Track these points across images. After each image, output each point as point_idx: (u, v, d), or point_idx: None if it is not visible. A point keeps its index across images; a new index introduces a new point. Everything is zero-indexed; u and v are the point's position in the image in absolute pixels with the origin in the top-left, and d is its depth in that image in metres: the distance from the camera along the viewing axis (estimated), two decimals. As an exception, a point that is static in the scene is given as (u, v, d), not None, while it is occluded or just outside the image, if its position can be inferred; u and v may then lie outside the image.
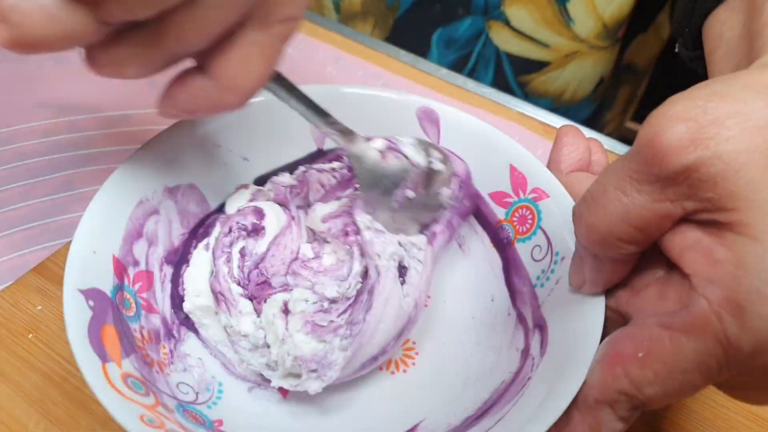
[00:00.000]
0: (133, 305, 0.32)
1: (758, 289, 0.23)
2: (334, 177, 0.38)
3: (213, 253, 0.35)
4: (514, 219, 0.37)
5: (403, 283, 0.33)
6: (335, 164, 0.39)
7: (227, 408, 0.32)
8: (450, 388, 0.34)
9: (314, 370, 0.31)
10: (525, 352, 0.33)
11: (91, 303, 0.29)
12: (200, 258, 0.36)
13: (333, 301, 0.33)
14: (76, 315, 0.28)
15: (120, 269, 0.32)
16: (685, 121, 0.24)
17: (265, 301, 0.33)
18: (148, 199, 0.34)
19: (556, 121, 0.52)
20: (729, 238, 0.24)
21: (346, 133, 0.35)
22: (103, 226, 0.32)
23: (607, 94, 0.68)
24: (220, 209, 0.38)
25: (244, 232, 0.35)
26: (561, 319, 0.31)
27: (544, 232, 0.35)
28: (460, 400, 0.33)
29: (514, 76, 0.63)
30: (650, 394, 0.26)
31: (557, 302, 0.32)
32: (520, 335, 0.34)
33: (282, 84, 0.32)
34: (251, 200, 0.37)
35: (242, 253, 0.35)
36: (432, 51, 0.64)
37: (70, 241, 0.39)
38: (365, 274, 0.34)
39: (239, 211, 0.36)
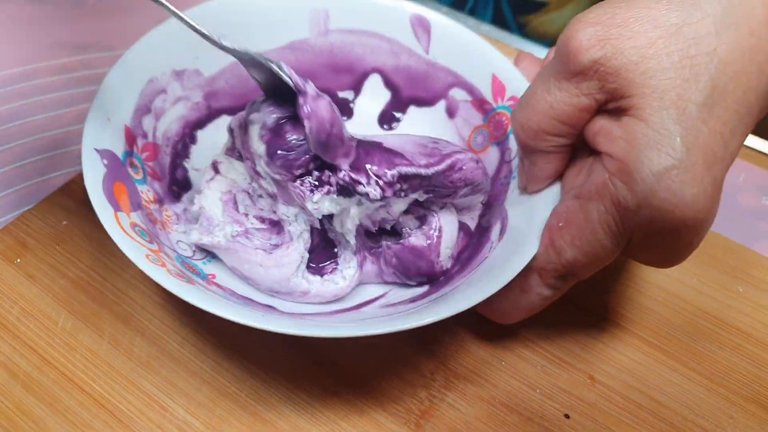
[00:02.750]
0: (141, 170, 0.36)
1: (641, 159, 0.28)
2: None
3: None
4: (491, 124, 0.40)
5: (319, 275, 0.35)
6: None
7: (220, 266, 0.36)
8: None
9: (203, 225, 0.35)
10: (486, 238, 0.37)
11: (105, 161, 0.33)
12: None
13: (260, 195, 0.35)
14: (92, 170, 0.32)
15: (130, 138, 0.36)
16: (593, 25, 0.29)
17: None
18: (157, 78, 0.38)
19: None
20: (624, 120, 0.29)
21: None
22: (118, 98, 0.35)
23: None
24: None
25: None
26: (520, 210, 0.35)
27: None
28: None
29: (513, 16, 0.64)
30: (570, 258, 0.31)
31: (519, 197, 0.36)
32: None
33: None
34: None
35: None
36: None
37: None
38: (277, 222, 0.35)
39: None
